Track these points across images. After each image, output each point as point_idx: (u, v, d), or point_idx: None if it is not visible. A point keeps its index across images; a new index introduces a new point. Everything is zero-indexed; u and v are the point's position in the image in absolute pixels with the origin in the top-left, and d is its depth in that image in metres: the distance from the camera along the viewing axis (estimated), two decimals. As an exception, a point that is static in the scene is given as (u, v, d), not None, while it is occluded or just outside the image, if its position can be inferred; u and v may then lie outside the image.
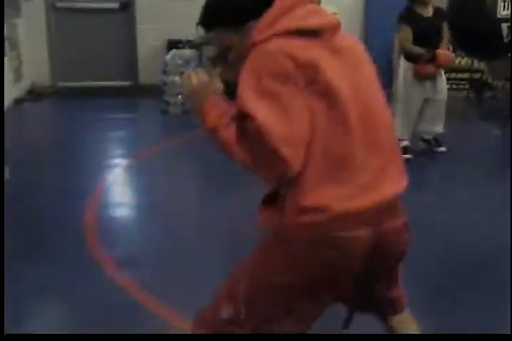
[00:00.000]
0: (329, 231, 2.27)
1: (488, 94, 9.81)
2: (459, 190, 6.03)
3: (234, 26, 2.39)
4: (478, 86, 9.76)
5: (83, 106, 9.18)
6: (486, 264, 4.61)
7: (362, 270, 2.39)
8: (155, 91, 8.99)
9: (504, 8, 4.88)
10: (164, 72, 8.79)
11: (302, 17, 2.30)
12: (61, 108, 9.36)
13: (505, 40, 4.98)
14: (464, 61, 9.46)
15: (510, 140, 7.02)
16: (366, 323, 3.06)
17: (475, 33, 5.23)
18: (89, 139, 7.78)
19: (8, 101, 8.63)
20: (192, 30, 9.98)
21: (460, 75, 9.82)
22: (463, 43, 5.85)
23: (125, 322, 3.72)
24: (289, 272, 2.35)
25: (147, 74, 9.73)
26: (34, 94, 9.50)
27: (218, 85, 2.43)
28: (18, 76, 9.08)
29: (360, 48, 2.48)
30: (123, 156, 7.22)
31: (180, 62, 8.82)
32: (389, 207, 2.36)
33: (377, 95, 2.47)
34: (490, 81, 9.94)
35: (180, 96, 8.70)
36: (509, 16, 4.90)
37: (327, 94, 2.22)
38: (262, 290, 2.42)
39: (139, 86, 9.97)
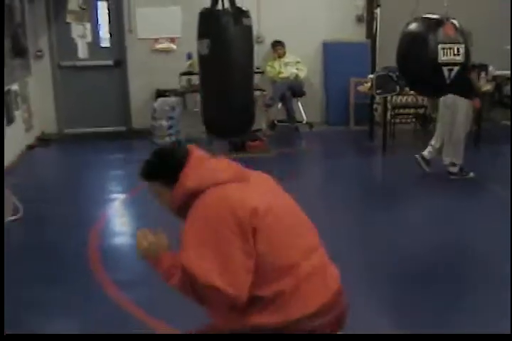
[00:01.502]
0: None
1: (431, 126, 9.85)
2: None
3: (167, 182, 2.43)
4: (423, 119, 9.80)
5: (85, 149, 9.15)
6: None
7: None
8: (147, 135, 8.99)
9: (444, 54, 4.90)
10: (153, 117, 8.79)
11: (217, 169, 2.42)
12: (67, 151, 9.31)
13: (448, 81, 5.01)
14: (410, 98, 9.51)
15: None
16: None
17: (419, 77, 5.29)
18: (91, 177, 7.74)
19: (21, 147, 8.60)
20: (176, 81, 10.07)
21: (407, 110, 9.85)
22: (411, 84, 5.91)
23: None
24: None
25: (139, 119, 9.71)
26: (43, 140, 9.44)
27: (164, 243, 2.53)
28: (29, 126, 9.04)
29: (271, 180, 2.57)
30: (120, 191, 7.18)
31: (167, 108, 8.83)
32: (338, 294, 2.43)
33: (296, 207, 2.52)
34: (432, 115, 10.00)
35: (168, 138, 8.70)
36: (448, 61, 4.92)
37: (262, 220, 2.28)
38: None
39: (132, 130, 9.94)
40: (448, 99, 6.74)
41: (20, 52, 8.67)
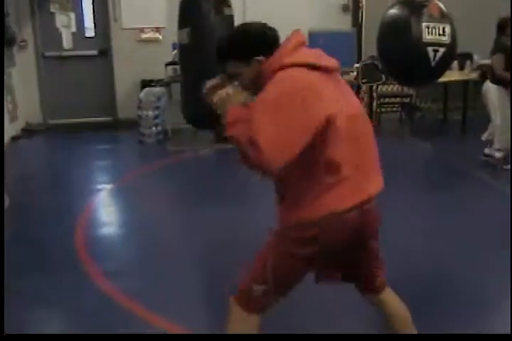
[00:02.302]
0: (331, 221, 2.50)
1: (417, 114, 9.90)
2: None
3: (241, 60, 2.57)
4: (409, 108, 9.84)
5: (71, 140, 9.14)
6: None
7: (348, 246, 2.62)
8: (132, 125, 8.97)
9: (429, 33, 4.65)
10: (139, 107, 8.75)
11: (316, 56, 2.59)
12: (52, 142, 9.30)
13: (433, 64, 4.76)
14: (395, 87, 9.53)
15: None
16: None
17: (401, 66, 5.07)
18: (77, 168, 7.73)
19: (6, 138, 8.56)
20: (161, 71, 10.00)
21: (393, 100, 9.89)
22: (393, 75, 5.75)
23: (112, 325, 3.70)
24: (294, 256, 2.57)
25: (125, 110, 9.70)
26: (28, 131, 9.41)
27: (241, 97, 2.59)
28: (13, 116, 9.00)
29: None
30: (107, 181, 7.17)
31: (152, 98, 8.80)
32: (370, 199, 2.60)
33: (363, 112, 2.67)
34: (418, 104, 10.05)
35: (154, 128, 8.69)
36: (434, 41, 4.67)
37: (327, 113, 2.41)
38: (281, 270, 2.61)
39: (118, 120, 9.92)
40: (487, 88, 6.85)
41: (9, 42, 8.60)
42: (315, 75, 2.49)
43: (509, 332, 3.33)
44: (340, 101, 2.51)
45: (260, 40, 2.59)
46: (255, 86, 2.56)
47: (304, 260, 2.60)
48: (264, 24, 2.67)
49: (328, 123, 2.40)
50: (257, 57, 2.54)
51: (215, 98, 2.60)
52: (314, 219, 2.50)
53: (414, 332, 2.88)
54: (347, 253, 2.69)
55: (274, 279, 2.60)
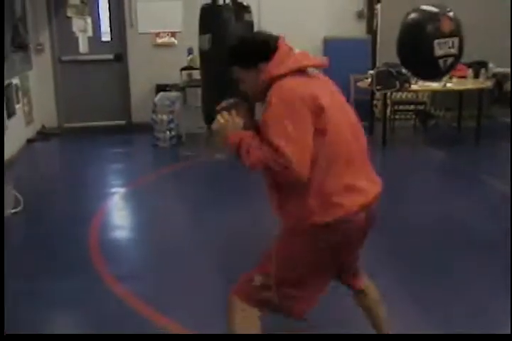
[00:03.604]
0: (341, 221, 2.60)
1: (431, 122, 9.88)
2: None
3: (245, 66, 2.72)
4: (423, 116, 9.82)
5: (86, 143, 9.20)
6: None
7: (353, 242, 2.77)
8: (146, 129, 9.00)
9: (440, 49, 4.95)
10: (154, 111, 8.79)
11: (301, 59, 2.70)
12: (67, 145, 9.34)
13: (442, 70, 5.15)
14: (410, 95, 9.53)
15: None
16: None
17: (417, 72, 5.38)
18: (91, 171, 7.76)
19: (21, 141, 8.62)
20: (176, 76, 10.03)
21: (407, 107, 9.89)
22: (411, 71, 6.03)
23: (123, 327, 3.72)
24: (305, 253, 2.66)
25: (139, 114, 9.74)
26: (43, 134, 9.46)
27: (239, 123, 2.72)
28: (29, 119, 9.06)
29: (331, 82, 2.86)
30: (121, 185, 7.19)
31: (167, 102, 8.84)
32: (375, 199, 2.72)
33: (352, 113, 2.81)
34: (432, 111, 10.03)
35: (168, 132, 8.72)
36: (444, 54, 5.01)
37: (326, 115, 2.57)
38: (286, 265, 2.69)
39: (132, 124, 9.96)
40: None
41: (21, 45, 8.67)
42: (303, 79, 2.66)
43: (509, 332, 3.35)
44: (328, 97, 2.67)
45: (262, 49, 2.70)
46: (258, 93, 2.71)
47: (314, 253, 2.67)
48: (269, 34, 2.80)
49: (321, 110, 2.55)
50: (260, 65, 2.68)
51: (214, 126, 2.76)
52: (328, 222, 2.59)
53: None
54: (350, 249, 2.82)
55: (277, 273, 2.69)
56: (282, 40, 2.76)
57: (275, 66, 2.64)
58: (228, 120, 2.71)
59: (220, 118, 2.73)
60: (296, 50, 2.77)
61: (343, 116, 2.69)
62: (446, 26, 4.92)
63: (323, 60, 2.85)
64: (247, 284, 2.76)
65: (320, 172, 2.56)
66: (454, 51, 4.97)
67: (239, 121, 2.72)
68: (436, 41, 4.90)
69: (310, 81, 2.67)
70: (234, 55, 2.77)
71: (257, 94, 2.72)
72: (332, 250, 2.68)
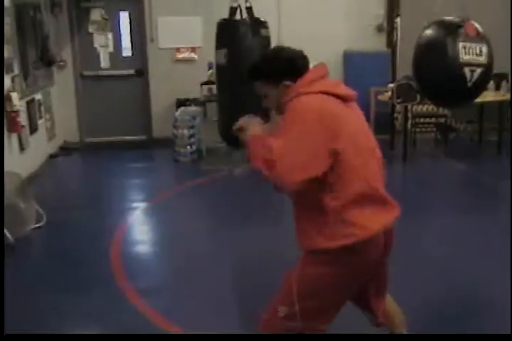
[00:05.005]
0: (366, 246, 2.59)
1: (452, 135, 9.84)
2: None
3: (270, 82, 2.70)
4: (444, 129, 9.78)
5: (107, 158, 9.25)
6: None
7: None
8: (167, 143, 9.03)
9: (466, 53, 4.59)
10: (174, 126, 8.83)
11: (331, 85, 2.68)
12: (88, 160, 9.40)
13: (469, 85, 4.68)
14: (430, 107, 9.49)
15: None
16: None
17: (437, 86, 5.01)
18: (113, 186, 7.81)
19: (44, 156, 8.68)
20: (197, 90, 10.04)
21: (428, 120, 9.85)
22: (428, 95, 5.67)
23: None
24: (329, 279, 2.63)
25: (160, 128, 9.78)
26: (65, 149, 9.53)
27: (258, 126, 2.72)
28: (51, 134, 9.14)
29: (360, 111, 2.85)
30: (142, 200, 7.21)
31: (187, 117, 8.87)
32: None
33: (373, 138, 2.82)
34: (453, 124, 10.00)
35: (189, 147, 8.75)
36: (471, 61, 4.62)
37: (350, 137, 2.57)
38: (309, 293, 2.64)
39: (153, 139, 10.01)
40: None
41: (49, 63, 8.85)
42: (331, 100, 2.61)
43: (509, 332, 3.34)
44: (357, 125, 2.71)
45: (289, 66, 2.69)
46: (280, 108, 2.70)
47: (334, 279, 2.64)
48: (297, 50, 2.79)
49: (339, 129, 2.54)
50: (285, 82, 2.67)
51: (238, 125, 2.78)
52: (348, 245, 2.56)
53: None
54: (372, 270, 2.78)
55: (300, 302, 2.63)
56: (323, 65, 2.77)
57: (305, 85, 2.64)
58: (246, 121, 2.76)
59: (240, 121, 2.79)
60: (314, 62, 2.78)
61: (363, 138, 2.69)
62: (471, 30, 4.60)
63: (353, 93, 2.77)
64: (273, 318, 2.72)
65: (338, 194, 2.55)
66: (482, 60, 4.55)
67: (258, 124, 2.74)
68: (461, 44, 4.56)
69: (334, 101, 2.63)
70: (260, 70, 2.75)
71: (280, 109, 2.70)
72: (353, 273, 2.66)
